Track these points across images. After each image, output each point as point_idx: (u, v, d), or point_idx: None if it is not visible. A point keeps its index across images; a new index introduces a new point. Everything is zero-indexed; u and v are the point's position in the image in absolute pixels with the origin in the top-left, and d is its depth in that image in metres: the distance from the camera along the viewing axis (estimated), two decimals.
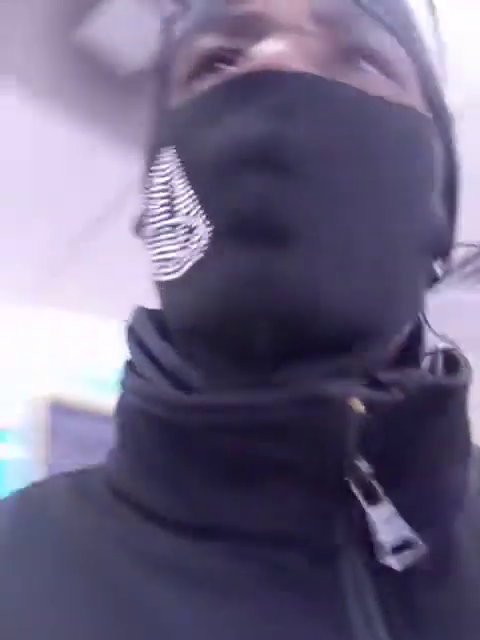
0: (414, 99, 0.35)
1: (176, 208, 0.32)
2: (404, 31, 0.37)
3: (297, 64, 0.31)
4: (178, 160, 0.33)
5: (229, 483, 0.30)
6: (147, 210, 0.35)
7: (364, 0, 0.35)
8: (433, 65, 0.39)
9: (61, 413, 1.96)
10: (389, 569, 0.28)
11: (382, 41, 0.35)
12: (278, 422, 0.29)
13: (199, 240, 0.31)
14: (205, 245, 0.31)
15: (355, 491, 0.29)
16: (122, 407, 0.35)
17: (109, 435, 0.36)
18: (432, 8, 0.41)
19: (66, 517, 0.33)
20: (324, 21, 0.34)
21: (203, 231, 0.31)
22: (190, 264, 0.31)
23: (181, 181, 0.32)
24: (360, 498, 0.29)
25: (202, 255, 0.31)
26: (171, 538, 0.31)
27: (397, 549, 0.29)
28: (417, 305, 0.36)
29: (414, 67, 0.36)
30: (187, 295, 0.32)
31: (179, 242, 0.32)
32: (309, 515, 0.30)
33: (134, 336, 0.36)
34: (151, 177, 0.35)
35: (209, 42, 0.35)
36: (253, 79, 0.31)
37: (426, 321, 0.37)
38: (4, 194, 1.66)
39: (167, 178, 0.33)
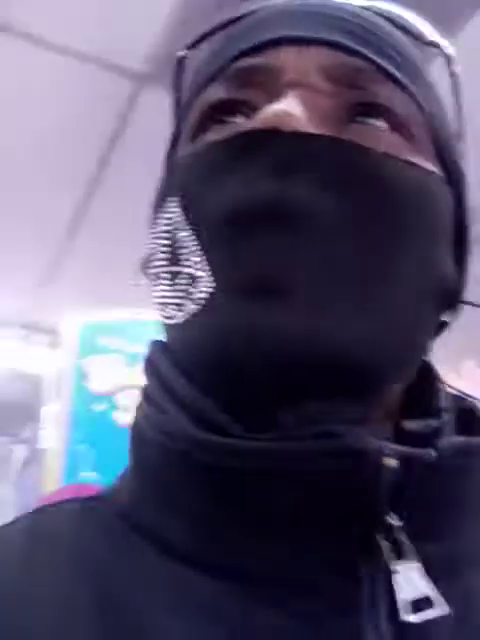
0: (424, 154, 0.35)
1: (179, 257, 0.34)
2: (416, 87, 0.36)
3: (306, 123, 0.32)
4: (183, 211, 0.34)
5: (256, 527, 0.31)
6: (151, 253, 0.36)
7: (373, 55, 0.35)
8: (447, 122, 0.39)
9: None
10: (412, 624, 0.29)
11: (392, 97, 0.35)
12: (311, 472, 0.29)
13: (202, 291, 0.32)
14: (208, 296, 0.32)
15: (383, 546, 0.29)
16: (140, 437, 0.35)
17: None
18: (452, 71, 0.40)
19: (78, 546, 0.34)
20: (333, 77, 0.34)
21: (207, 283, 0.32)
22: (192, 313, 0.32)
23: (186, 232, 0.33)
24: (387, 553, 0.29)
25: (205, 306, 0.32)
26: (187, 574, 0.31)
27: (419, 606, 0.29)
28: (420, 353, 0.36)
29: (425, 123, 0.36)
30: (188, 341, 0.33)
31: (181, 290, 0.33)
32: (335, 566, 0.30)
33: (152, 368, 0.36)
34: (156, 223, 0.36)
35: (217, 93, 0.36)
36: (261, 137, 0.32)
37: (437, 374, 0.38)
38: None
39: (171, 227, 0.34)
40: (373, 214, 0.32)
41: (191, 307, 0.33)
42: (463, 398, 0.37)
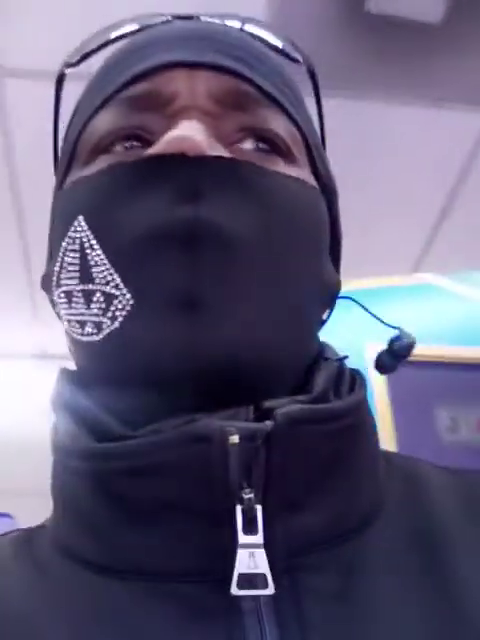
0: (304, 171, 0.39)
1: (92, 276, 0.35)
2: (294, 108, 0.39)
3: (206, 146, 0.33)
4: (89, 232, 0.35)
5: (134, 525, 0.33)
6: (55, 272, 0.37)
7: (259, 80, 0.37)
8: (317, 136, 0.43)
9: None
10: (291, 590, 0.31)
11: (277, 120, 0.37)
12: (163, 462, 0.31)
13: (120, 308, 0.34)
14: (126, 313, 0.34)
15: (238, 521, 0.30)
16: (54, 464, 0.38)
17: None
18: (315, 82, 0.43)
19: (8, 580, 0.35)
20: (222, 101, 0.36)
21: (124, 301, 0.34)
22: (111, 329, 0.34)
23: (97, 252, 0.35)
24: (239, 527, 0.30)
25: (124, 322, 0.34)
26: (95, 581, 0.33)
27: (251, 582, 0.30)
28: (311, 344, 0.39)
29: (302, 141, 0.39)
30: (109, 357, 0.35)
31: (96, 308, 0.35)
32: (207, 547, 0.31)
33: (60, 398, 0.38)
34: (60, 244, 0.37)
35: (112, 119, 0.37)
36: (168, 161, 0.33)
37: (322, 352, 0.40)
38: None
39: (77, 246, 0.35)
40: (271, 229, 0.35)
41: (110, 324, 0.34)
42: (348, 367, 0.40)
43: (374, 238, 1.91)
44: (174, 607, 0.31)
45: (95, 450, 0.33)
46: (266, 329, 0.34)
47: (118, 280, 0.34)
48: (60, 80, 0.42)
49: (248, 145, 0.37)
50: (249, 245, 0.34)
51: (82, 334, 0.35)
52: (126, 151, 0.37)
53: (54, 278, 0.37)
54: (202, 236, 0.33)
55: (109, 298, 0.34)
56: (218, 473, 0.31)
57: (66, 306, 0.36)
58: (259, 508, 0.30)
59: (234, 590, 0.29)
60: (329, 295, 0.40)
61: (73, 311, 0.36)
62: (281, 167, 0.37)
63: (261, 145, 0.37)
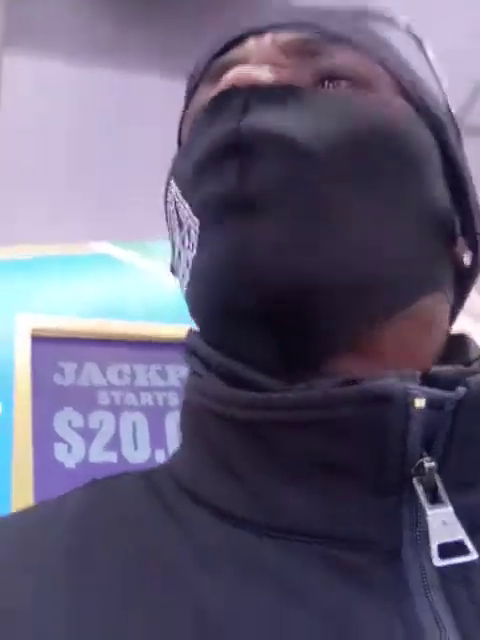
0: (389, 99, 0.37)
1: (182, 221, 0.36)
2: (371, 46, 0.39)
3: (254, 74, 0.34)
4: (176, 185, 0.37)
5: (294, 482, 0.31)
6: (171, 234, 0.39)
7: (322, 23, 0.39)
8: (412, 71, 0.40)
9: None
10: (459, 568, 0.28)
11: (347, 58, 0.38)
12: (340, 419, 0.29)
13: (194, 236, 0.34)
14: (197, 240, 0.34)
15: (418, 491, 0.29)
16: (187, 407, 0.37)
17: None
18: (425, 51, 0.42)
19: (136, 514, 0.34)
20: (291, 51, 0.38)
21: (195, 227, 0.34)
22: (192, 262, 0.34)
23: (180, 198, 0.36)
24: (422, 498, 0.29)
25: (197, 249, 0.34)
26: (237, 534, 0.31)
27: (449, 552, 0.28)
28: (423, 275, 0.35)
29: (389, 77, 0.38)
30: (194, 293, 0.35)
31: (188, 248, 0.35)
32: (374, 515, 0.30)
33: (189, 348, 0.37)
34: (166, 206, 0.39)
35: (204, 93, 0.39)
36: (221, 98, 0.34)
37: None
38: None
39: (174, 203, 0.37)
40: (331, 140, 0.32)
41: (190, 257, 0.34)
42: None
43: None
44: (338, 574, 0.29)
45: (256, 399, 0.31)
46: (336, 240, 0.31)
47: (189, 210, 0.35)
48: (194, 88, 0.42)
49: (323, 87, 0.37)
50: (305, 150, 0.32)
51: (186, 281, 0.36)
52: None
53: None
54: (246, 139, 0.32)
55: (189, 231, 0.34)
56: (395, 437, 0.29)
57: (177, 259, 0.38)
58: (438, 478, 0.29)
59: (437, 561, 0.28)
60: (440, 224, 0.35)
61: (182, 262, 0.37)
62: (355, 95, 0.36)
63: (339, 84, 0.37)
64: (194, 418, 0.36)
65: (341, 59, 0.37)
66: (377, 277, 0.32)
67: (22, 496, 1.32)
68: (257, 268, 0.30)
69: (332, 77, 0.37)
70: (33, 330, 1.57)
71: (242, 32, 0.39)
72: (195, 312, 0.36)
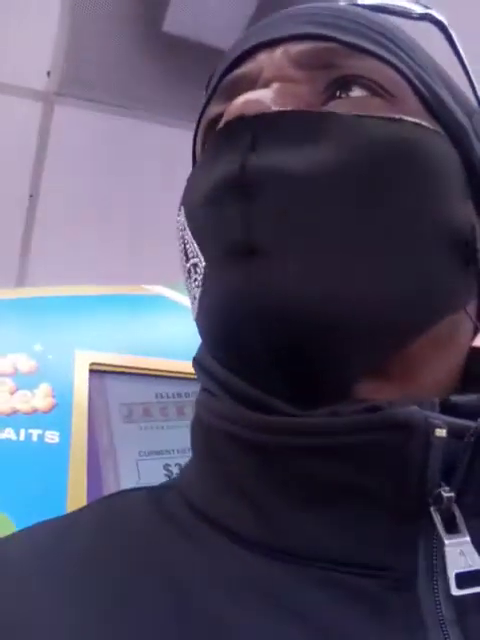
0: (410, 112, 0.35)
1: (188, 254, 0.36)
2: (388, 51, 0.37)
3: (270, 104, 0.34)
4: (185, 213, 0.36)
5: (310, 506, 0.31)
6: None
7: (337, 34, 0.37)
8: (437, 79, 0.39)
9: None
10: (476, 598, 0.28)
11: (363, 65, 0.36)
12: (359, 445, 0.29)
13: (200, 274, 0.34)
14: (203, 277, 0.34)
15: (436, 519, 0.29)
16: (201, 427, 0.36)
17: None
18: (449, 35, 0.42)
19: (146, 531, 0.34)
20: (305, 64, 0.36)
21: (201, 265, 0.34)
22: (199, 299, 0.34)
23: (188, 230, 0.36)
24: (440, 528, 0.28)
25: (203, 287, 0.34)
26: (250, 558, 0.31)
27: (467, 581, 0.28)
28: (440, 300, 0.33)
29: (407, 83, 0.37)
30: (202, 328, 0.35)
31: (194, 282, 0.35)
32: (390, 542, 0.29)
33: (200, 366, 0.38)
34: (177, 232, 0.38)
35: (213, 109, 0.39)
36: (228, 129, 0.34)
37: None
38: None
39: (182, 232, 0.37)
40: (342, 167, 0.32)
41: (197, 294, 0.35)
42: None
43: None
44: (351, 600, 0.29)
45: (275, 423, 0.31)
46: (340, 276, 0.30)
47: (196, 246, 0.35)
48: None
49: (339, 99, 0.36)
50: (311, 185, 0.31)
51: (194, 313, 0.37)
52: None
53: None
54: (251, 181, 0.31)
55: (195, 267, 0.35)
56: (415, 467, 0.29)
57: (187, 283, 0.37)
58: (456, 508, 0.29)
59: (454, 590, 0.28)
60: (461, 245, 0.34)
61: (189, 294, 0.37)
62: (377, 110, 0.34)
63: (354, 93, 0.36)
64: (207, 438, 0.36)
65: (355, 68, 0.36)
66: (392, 309, 0.32)
67: None
68: (265, 315, 0.31)
69: (345, 85, 0.36)
70: (91, 364, 1.64)
71: (254, 44, 0.38)
72: (206, 344, 0.36)
